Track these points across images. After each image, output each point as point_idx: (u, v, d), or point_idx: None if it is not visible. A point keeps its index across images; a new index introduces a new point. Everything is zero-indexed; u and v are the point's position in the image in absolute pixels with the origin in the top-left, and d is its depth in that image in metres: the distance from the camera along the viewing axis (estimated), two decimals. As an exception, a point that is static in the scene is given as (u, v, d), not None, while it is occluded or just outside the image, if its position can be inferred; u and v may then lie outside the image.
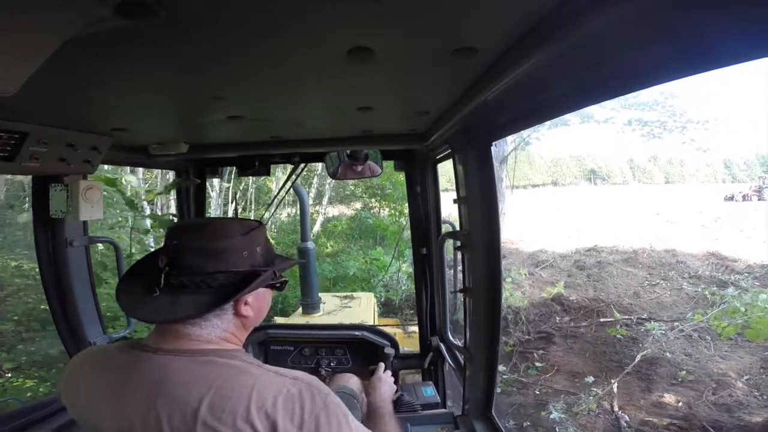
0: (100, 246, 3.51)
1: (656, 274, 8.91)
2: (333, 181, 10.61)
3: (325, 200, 11.23)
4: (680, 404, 4.87)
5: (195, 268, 0.78)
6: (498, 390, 5.12)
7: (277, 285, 0.88)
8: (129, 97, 0.93)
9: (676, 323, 6.56)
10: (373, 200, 11.50)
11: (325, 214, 11.49)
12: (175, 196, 2.19)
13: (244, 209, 9.63)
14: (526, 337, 6.50)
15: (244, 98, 0.99)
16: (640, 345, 6.01)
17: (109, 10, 0.45)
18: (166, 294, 0.78)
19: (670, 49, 0.55)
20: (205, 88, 0.87)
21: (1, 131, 1.02)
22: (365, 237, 11.00)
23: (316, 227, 11.03)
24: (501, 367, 5.49)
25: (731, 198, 21.38)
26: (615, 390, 5.15)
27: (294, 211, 9.87)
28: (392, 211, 9.33)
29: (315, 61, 0.70)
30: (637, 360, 5.54)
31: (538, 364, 5.95)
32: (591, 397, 5.07)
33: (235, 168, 2.16)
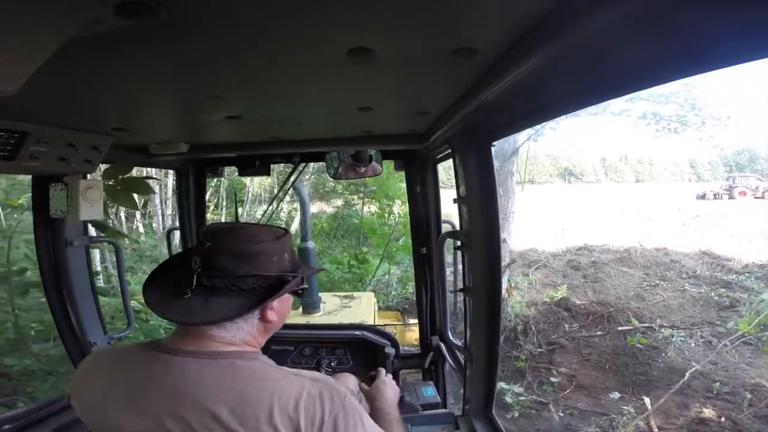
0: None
1: (653, 274, 8.78)
2: (312, 176, 10.19)
3: (304, 198, 10.77)
4: (723, 419, 4.49)
5: (228, 270, 0.78)
6: (516, 413, 4.79)
7: (299, 291, 0.89)
8: (129, 97, 0.93)
9: (693, 328, 6.22)
10: (355, 197, 10.97)
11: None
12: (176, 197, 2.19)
13: (216, 206, 9.35)
14: (538, 349, 6.03)
15: (244, 98, 0.99)
16: (664, 354, 5.63)
17: (109, 10, 0.45)
18: (197, 295, 0.78)
19: (670, 49, 0.55)
20: (205, 88, 0.87)
21: (1, 131, 1.02)
22: (348, 236, 10.60)
23: (294, 225, 10.21)
24: (516, 388, 5.12)
25: (703, 196, 21.79)
26: (649, 407, 4.65)
27: (271, 209, 9.63)
28: (379, 211, 8.42)
29: (315, 61, 0.70)
30: (686, 377, 5.02)
31: (553, 379, 5.47)
32: (625, 417, 4.56)
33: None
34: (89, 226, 1.72)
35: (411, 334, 4.18)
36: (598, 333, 6.23)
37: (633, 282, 8.40)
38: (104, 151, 1.34)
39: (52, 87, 0.79)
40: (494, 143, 1.23)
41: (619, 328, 6.27)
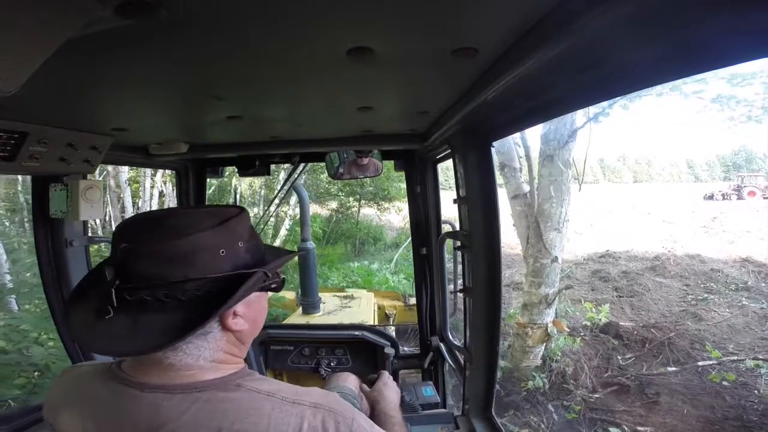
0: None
1: (694, 285, 7.64)
2: (305, 177, 9.79)
3: (293, 200, 9.28)
4: None
5: (154, 277, 0.60)
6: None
7: (273, 285, 0.71)
8: (129, 97, 0.93)
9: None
10: (351, 199, 10.64)
11: (293, 217, 9.93)
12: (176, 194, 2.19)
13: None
14: (594, 395, 4.79)
15: (244, 98, 0.99)
16: (757, 392, 4.49)
17: (109, 10, 0.45)
18: (123, 314, 0.61)
19: (670, 49, 0.55)
20: (205, 88, 0.87)
21: (1, 131, 1.02)
22: (343, 243, 10.32)
23: (283, 231, 9.98)
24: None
25: (711, 197, 21.37)
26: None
27: (258, 211, 9.25)
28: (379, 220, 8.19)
29: (315, 61, 0.70)
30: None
31: (613, 430, 4.36)
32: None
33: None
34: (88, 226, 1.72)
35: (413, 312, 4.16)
36: (672, 369, 4.93)
37: (674, 295, 7.29)
38: (104, 151, 1.34)
39: (52, 87, 0.79)
40: (494, 143, 1.24)
41: (700, 363, 5.01)
